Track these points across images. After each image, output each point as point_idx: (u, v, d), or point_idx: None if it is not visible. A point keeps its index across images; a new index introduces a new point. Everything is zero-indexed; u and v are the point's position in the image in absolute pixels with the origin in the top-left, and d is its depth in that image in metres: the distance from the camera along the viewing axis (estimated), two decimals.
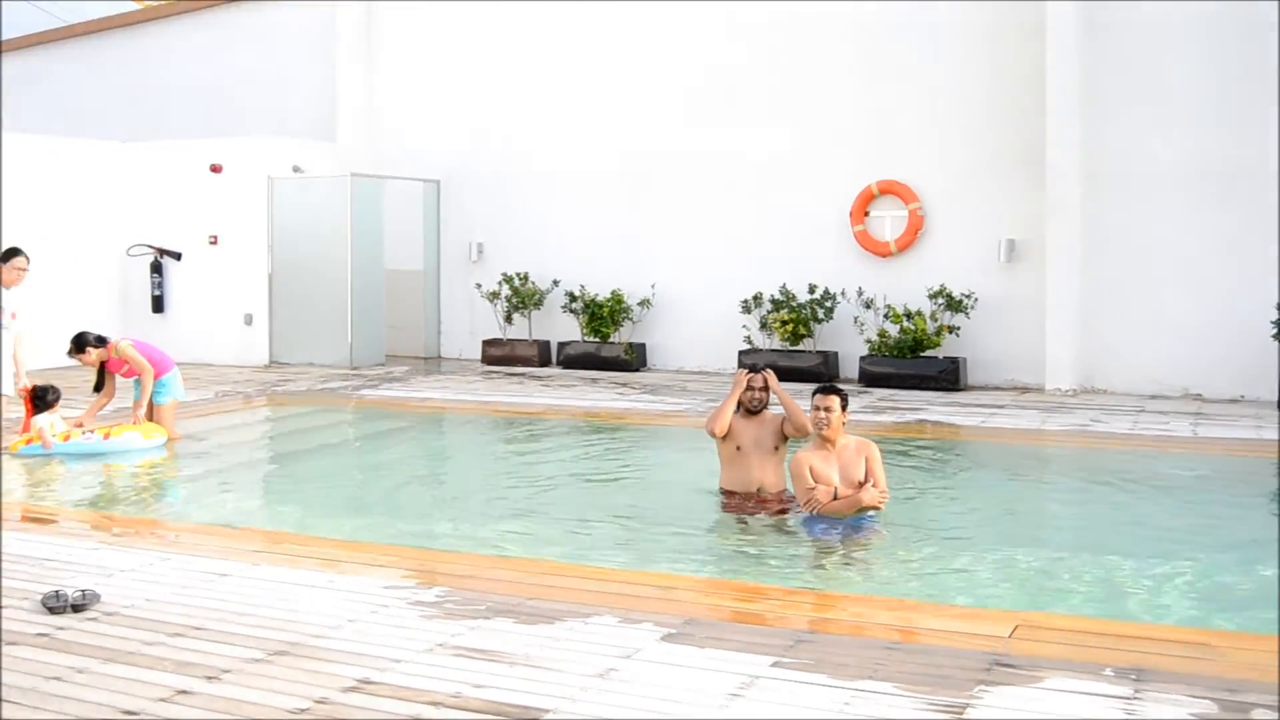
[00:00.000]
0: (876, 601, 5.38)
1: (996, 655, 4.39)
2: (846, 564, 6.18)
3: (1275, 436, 9.83)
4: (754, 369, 7.38)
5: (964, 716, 3.83)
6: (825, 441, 6.77)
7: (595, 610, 4.98)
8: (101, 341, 9.75)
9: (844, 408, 6.75)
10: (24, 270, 9.17)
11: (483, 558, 6.22)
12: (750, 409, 7.31)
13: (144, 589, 5.35)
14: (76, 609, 4.97)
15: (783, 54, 14.34)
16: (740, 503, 7.20)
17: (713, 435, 7.37)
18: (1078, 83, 12.65)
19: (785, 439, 7.31)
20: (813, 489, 6.65)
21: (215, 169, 15.58)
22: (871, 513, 6.70)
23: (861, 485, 6.63)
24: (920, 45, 13.66)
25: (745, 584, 5.76)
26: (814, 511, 6.66)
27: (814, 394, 6.85)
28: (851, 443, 6.83)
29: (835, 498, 6.64)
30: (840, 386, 6.92)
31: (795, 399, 7.41)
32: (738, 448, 7.29)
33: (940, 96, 13.56)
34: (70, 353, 9.73)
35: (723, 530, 6.89)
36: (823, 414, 6.70)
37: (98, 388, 9.87)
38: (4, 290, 9.00)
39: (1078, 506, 7.89)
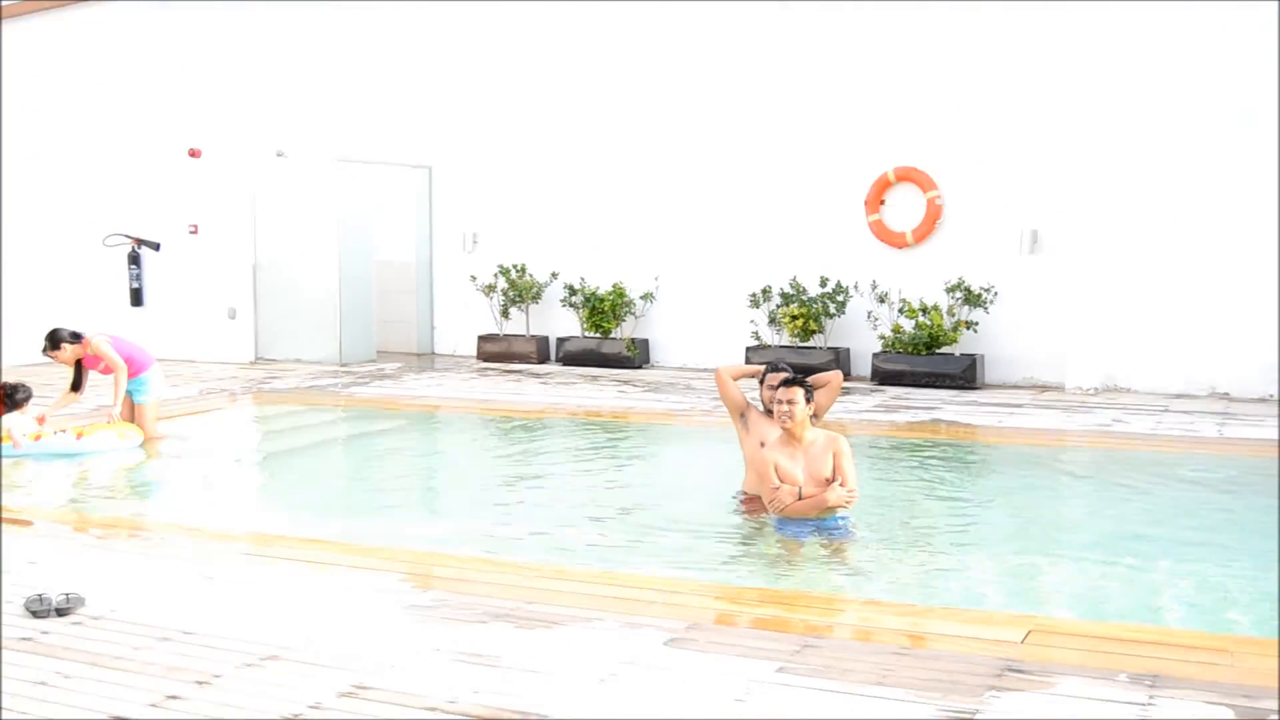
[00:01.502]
0: (885, 606, 5.47)
1: (1008, 661, 4.49)
2: (855, 567, 6.27)
3: None
4: (775, 367, 7.30)
5: None
6: (791, 437, 6.69)
7: (596, 615, 5.08)
8: (76, 337, 9.80)
9: (809, 400, 6.67)
10: None
11: (480, 560, 6.30)
12: (772, 409, 7.26)
13: (129, 592, 5.46)
14: (60, 613, 5.08)
15: (792, 37, 14.43)
16: (760, 506, 7.14)
17: (719, 384, 7.47)
18: (1099, 69, 12.77)
19: None
20: (777, 489, 6.60)
21: (194, 153, 15.68)
22: (841, 515, 6.67)
23: (829, 483, 6.60)
24: (935, 29, 13.74)
25: (751, 589, 5.85)
26: (778, 513, 6.66)
27: (776, 386, 6.81)
28: (819, 438, 6.72)
29: (800, 497, 6.61)
30: (802, 377, 6.87)
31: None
32: (761, 444, 7.15)
33: (960, 78, 13.65)
34: (45, 350, 9.80)
35: (730, 533, 6.96)
36: (785, 407, 6.60)
37: (75, 386, 9.93)
38: None
39: (1095, 510, 7.97)
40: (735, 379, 7.52)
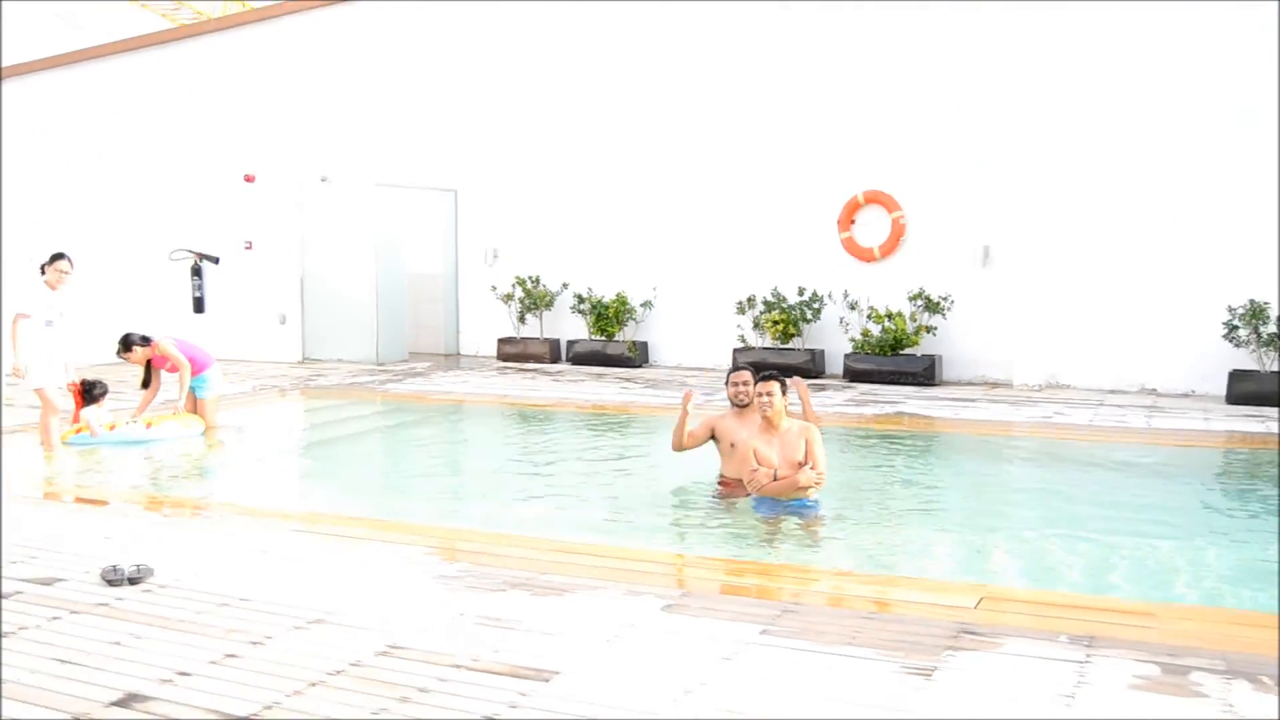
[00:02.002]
0: (855, 576, 5.47)
1: (963, 624, 4.49)
2: (828, 541, 6.26)
3: (1221, 428, 9.95)
4: (740, 367, 7.32)
5: (933, 678, 3.95)
6: (769, 425, 6.70)
7: (602, 584, 5.07)
8: (146, 341, 9.86)
9: (784, 392, 6.69)
10: (67, 274, 8.88)
11: (499, 536, 6.28)
12: (737, 404, 7.27)
13: (193, 564, 5.47)
14: (133, 582, 5.09)
15: (771, 79, 14.43)
16: (735, 488, 7.16)
17: (684, 448, 7.31)
18: (1047, 100, 12.78)
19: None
20: (755, 471, 6.60)
21: (249, 179, 15.70)
22: (813, 496, 6.64)
23: (801, 466, 6.58)
24: (901, 68, 13.75)
25: (737, 560, 5.84)
26: (756, 492, 6.64)
27: (756, 381, 6.82)
28: (794, 426, 6.73)
29: (775, 478, 6.59)
30: (776, 373, 6.87)
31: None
32: (731, 445, 7.17)
33: (923, 112, 13.64)
34: (118, 352, 9.86)
35: (716, 513, 6.97)
36: (765, 399, 6.62)
37: (145, 383, 9.99)
38: (49, 292, 8.85)
39: (1040, 491, 7.96)
40: (685, 431, 7.30)
